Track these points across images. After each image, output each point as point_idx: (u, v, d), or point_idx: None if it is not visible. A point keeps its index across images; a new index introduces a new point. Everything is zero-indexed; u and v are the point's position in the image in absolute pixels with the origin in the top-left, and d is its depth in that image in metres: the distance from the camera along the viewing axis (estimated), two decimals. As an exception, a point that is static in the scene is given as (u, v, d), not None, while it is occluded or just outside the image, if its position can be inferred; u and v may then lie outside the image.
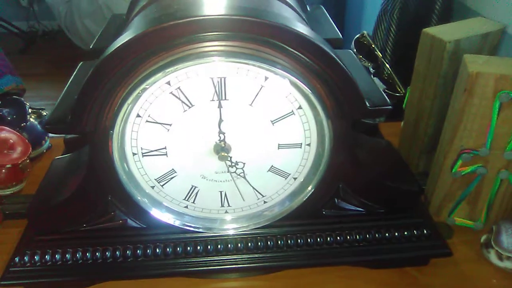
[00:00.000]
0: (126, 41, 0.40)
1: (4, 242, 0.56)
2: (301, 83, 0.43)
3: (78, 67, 0.58)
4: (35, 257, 0.50)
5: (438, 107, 0.61)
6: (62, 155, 0.61)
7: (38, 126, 0.76)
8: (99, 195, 0.51)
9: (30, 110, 0.77)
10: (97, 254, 0.51)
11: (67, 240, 0.52)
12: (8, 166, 0.65)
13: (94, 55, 0.57)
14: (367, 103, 0.45)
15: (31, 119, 0.76)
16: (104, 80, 0.42)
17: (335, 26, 0.62)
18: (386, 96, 0.47)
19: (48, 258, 0.50)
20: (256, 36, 0.41)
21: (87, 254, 0.51)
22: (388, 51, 1.14)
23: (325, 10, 0.69)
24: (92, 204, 0.52)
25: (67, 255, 0.51)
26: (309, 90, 0.43)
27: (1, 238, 0.58)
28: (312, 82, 0.44)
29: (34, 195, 0.54)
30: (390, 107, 0.46)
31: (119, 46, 0.40)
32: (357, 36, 1.06)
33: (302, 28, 0.42)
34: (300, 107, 0.46)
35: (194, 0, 0.46)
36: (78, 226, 0.53)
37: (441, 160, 0.57)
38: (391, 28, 1.12)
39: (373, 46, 1.05)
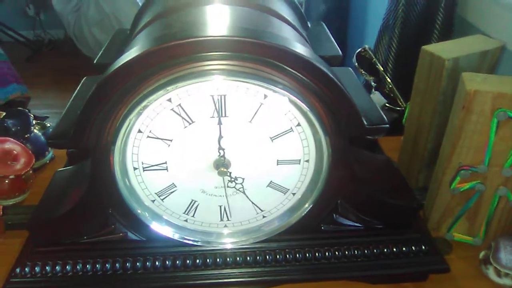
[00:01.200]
0: (129, 60, 0.41)
1: (6, 253, 0.56)
2: (300, 102, 0.43)
3: (81, 82, 0.58)
4: (36, 269, 0.50)
5: (438, 123, 0.62)
6: (64, 166, 0.61)
7: (42, 138, 0.77)
8: (100, 208, 0.52)
9: (34, 122, 0.77)
10: (97, 266, 0.51)
11: (68, 252, 0.52)
12: (11, 177, 0.65)
13: (98, 69, 0.58)
14: (364, 121, 0.46)
15: (35, 130, 0.77)
16: (107, 97, 0.43)
17: (335, 43, 0.63)
18: (384, 115, 0.48)
19: (48, 270, 0.50)
20: (256, 56, 0.42)
21: (87, 266, 0.51)
22: (389, 65, 1.14)
23: (325, 27, 0.70)
24: (93, 216, 0.52)
25: (67, 267, 0.51)
26: (307, 108, 0.44)
27: (3, 248, 0.58)
28: (311, 100, 0.44)
29: (36, 207, 0.54)
30: (387, 125, 0.46)
31: (121, 65, 0.41)
32: (359, 50, 1.07)
33: (301, 49, 0.43)
34: (299, 125, 0.46)
35: (196, 19, 0.47)
36: (78, 238, 0.53)
37: (440, 176, 0.57)
38: (393, 43, 1.12)
39: (374, 60, 1.05)
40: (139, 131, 0.45)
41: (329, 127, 0.46)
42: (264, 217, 0.53)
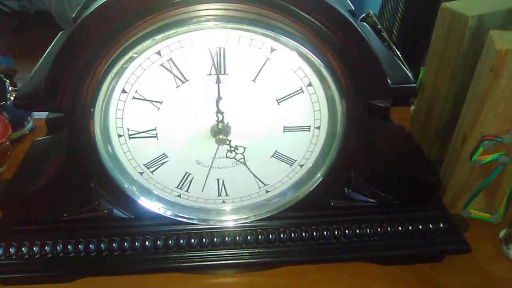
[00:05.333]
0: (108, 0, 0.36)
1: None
2: (313, 55, 0.39)
3: (57, 37, 0.54)
4: (11, 250, 0.48)
5: (456, 90, 0.59)
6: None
7: (20, 106, 0.72)
8: (81, 182, 0.49)
9: (10, 88, 0.74)
10: (79, 246, 0.48)
11: (46, 231, 0.49)
12: (-16, 148, 0.62)
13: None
14: (388, 81, 0.42)
15: (12, 98, 0.73)
16: (82, 47, 0.38)
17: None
18: (409, 73, 0.43)
19: (25, 251, 0.48)
20: (261, -3, 0.38)
21: (69, 246, 0.48)
22: (394, 32, 1.12)
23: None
24: (73, 191, 0.49)
25: (46, 248, 0.48)
26: (321, 64, 0.39)
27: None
28: (326, 54, 0.40)
29: (8, 182, 0.51)
30: (414, 84, 0.42)
31: (99, 6, 0.36)
32: (363, 16, 1.03)
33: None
34: (310, 84, 0.42)
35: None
36: (58, 216, 0.50)
37: (458, 148, 0.55)
38: (399, 8, 1.09)
39: (379, 26, 1.02)
40: (123, 91, 0.41)
41: (345, 88, 0.41)
42: (267, 192, 0.50)
